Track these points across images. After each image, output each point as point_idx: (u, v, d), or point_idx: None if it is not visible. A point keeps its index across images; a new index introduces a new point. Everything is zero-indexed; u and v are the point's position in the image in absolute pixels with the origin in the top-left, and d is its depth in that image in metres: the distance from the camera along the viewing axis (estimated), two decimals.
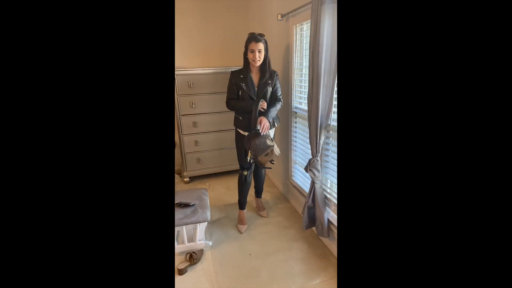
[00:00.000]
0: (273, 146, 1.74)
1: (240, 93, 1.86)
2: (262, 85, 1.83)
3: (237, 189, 2.12)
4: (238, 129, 1.95)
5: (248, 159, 1.77)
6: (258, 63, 1.76)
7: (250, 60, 1.77)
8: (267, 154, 1.72)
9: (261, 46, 1.72)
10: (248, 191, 2.11)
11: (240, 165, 2.03)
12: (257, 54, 1.72)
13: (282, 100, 1.94)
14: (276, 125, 1.94)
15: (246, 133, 1.89)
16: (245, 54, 1.79)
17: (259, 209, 2.28)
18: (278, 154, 1.76)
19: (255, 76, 1.85)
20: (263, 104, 1.81)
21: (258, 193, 2.28)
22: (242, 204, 2.13)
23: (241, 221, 2.12)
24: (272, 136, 1.89)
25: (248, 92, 1.82)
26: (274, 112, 1.84)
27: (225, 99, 1.93)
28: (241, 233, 2.05)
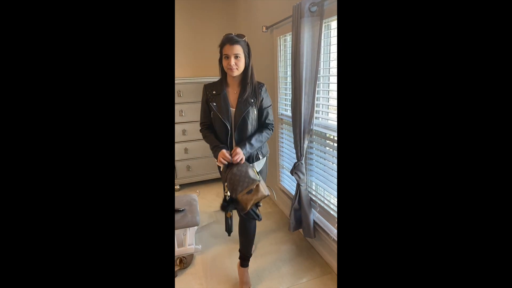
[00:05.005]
0: (258, 181, 1.22)
1: (212, 115, 1.36)
2: (241, 104, 1.30)
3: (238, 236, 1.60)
4: None
5: (226, 194, 1.26)
6: (236, 73, 1.26)
7: (226, 69, 1.28)
8: (250, 191, 1.19)
9: (238, 49, 1.22)
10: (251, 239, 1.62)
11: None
12: (232, 60, 1.22)
13: (273, 128, 1.43)
14: (260, 158, 1.41)
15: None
16: (220, 61, 1.30)
17: None
18: (266, 194, 1.23)
19: (232, 92, 1.34)
20: (225, 155, 1.25)
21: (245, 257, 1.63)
22: (244, 259, 1.58)
23: (243, 283, 1.55)
24: (258, 170, 1.38)
25: (220, 115, 1.30)
26: (257, 143, 1.33)
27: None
28: None
